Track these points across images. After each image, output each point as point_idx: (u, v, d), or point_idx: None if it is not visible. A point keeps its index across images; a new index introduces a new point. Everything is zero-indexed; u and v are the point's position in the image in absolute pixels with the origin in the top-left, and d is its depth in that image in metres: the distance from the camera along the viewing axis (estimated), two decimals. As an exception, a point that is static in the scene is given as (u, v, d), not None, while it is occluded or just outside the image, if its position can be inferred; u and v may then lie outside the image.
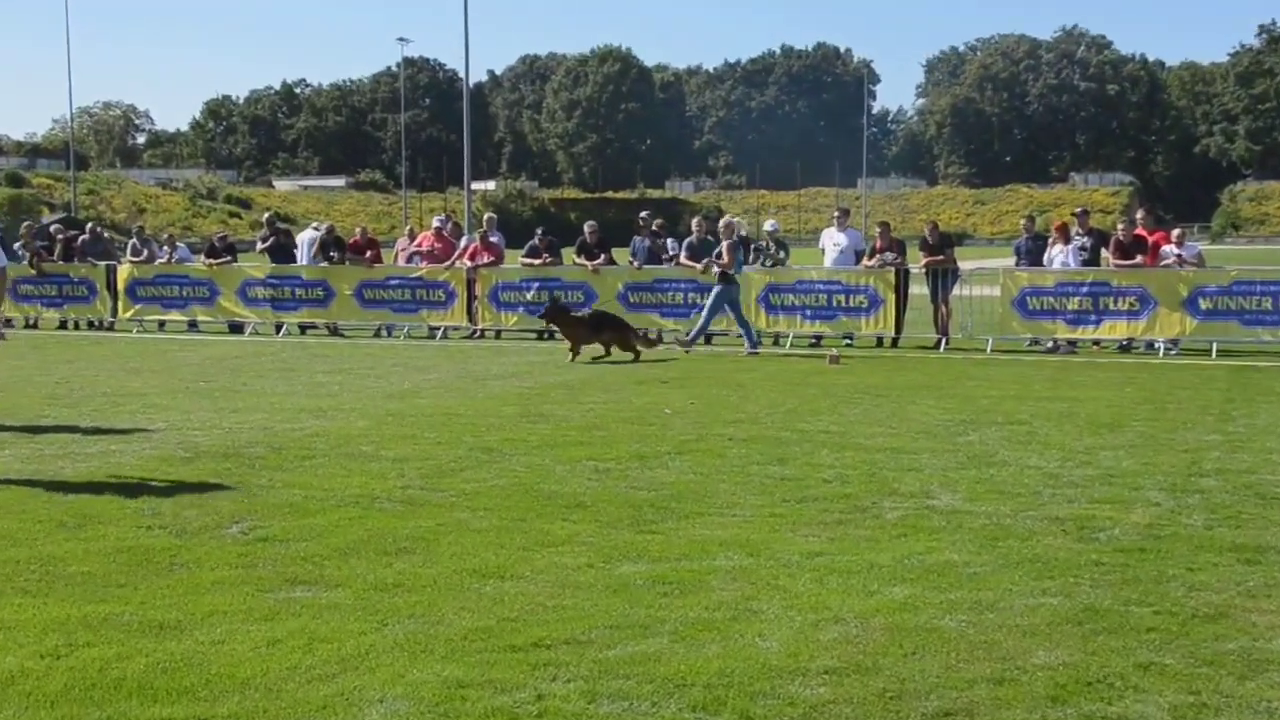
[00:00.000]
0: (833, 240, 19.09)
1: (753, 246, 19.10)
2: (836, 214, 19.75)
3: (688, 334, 17.45)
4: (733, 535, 6.59)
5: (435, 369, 15.18)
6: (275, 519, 6.95)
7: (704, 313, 17.32)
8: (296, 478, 8.13)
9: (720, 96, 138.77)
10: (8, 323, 21.50)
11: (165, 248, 22.78)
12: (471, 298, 19.85)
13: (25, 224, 25.30)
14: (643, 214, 20.82)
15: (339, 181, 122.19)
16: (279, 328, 20.63)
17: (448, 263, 20.06)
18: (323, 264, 20.60)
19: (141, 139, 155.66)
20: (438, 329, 19.90)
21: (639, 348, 16.03)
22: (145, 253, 22.37)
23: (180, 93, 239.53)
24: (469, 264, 19.88)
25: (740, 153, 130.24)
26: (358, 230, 22.03)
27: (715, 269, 17.34)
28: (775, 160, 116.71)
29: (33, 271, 21.90)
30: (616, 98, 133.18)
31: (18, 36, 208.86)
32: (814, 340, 18.46)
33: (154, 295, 21.52)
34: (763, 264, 18.67)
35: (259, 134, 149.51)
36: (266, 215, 23.69)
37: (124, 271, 21.76)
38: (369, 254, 20.92)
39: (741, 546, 6.34)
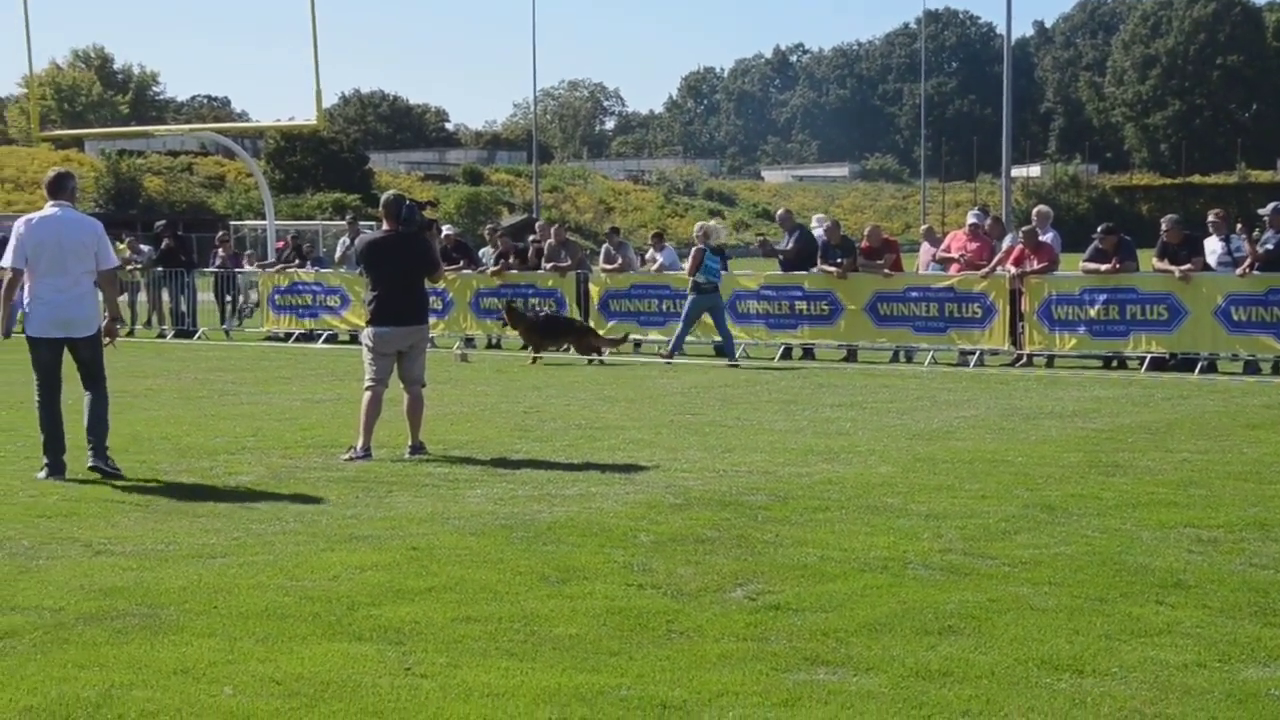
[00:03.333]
0: None
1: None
2: None
3: (669, 345, 20.80)
4: (1404, 638, 6.14)
5: (971, 403, 15.18)
6: (786, 583, 7.19)
7: (680, 324, 20.69)
8: (808, 533, 8.37)
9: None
10: (469, 342, 23.60)
11: (650, 251, 24.12)
12: (1016, 314, 19.68)
13: (489, 227, 27.62)
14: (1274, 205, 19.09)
15: (841, 170, 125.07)
16: (781, 350, 21.32)
17: (985, 270, 19.99)
18: (827, 270, 21.02)
19: (610, 123, 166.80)
20: (971, 353, 19.84)
21: (600, 347, 20.79)
22: (619, 260, 23.72)
23: (655, 67, 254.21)
24: (1012, 271, 19.71)
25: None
26: (866, 230, 22.36)
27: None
28: None
29: (497, 282, 23.84)
30: (1210, 49, 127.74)
31: (478, 12, 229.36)
32: None
33: (629, 310, 22.87)
34: None
35: (746, 113, 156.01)
36: (780, 213, 24.42)
37: (597, 283, 23.33)
38: (885, 259, 21.19)
39: None
